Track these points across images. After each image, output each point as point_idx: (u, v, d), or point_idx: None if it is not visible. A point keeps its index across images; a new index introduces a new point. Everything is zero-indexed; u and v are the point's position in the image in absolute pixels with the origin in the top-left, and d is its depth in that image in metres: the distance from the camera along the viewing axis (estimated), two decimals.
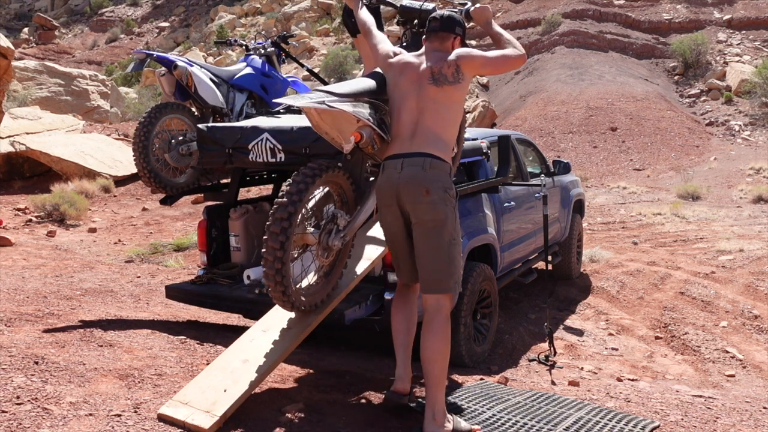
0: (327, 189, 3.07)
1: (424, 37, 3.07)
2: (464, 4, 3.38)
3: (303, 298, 3.01)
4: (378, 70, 3.18)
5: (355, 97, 2.91)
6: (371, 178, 3.35)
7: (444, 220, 2.78)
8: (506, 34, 3.08)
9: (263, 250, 2.76)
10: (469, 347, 4.29)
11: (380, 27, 4.17)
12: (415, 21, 3.41)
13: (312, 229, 2.96)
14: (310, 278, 3.15)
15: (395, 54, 3.05)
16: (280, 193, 2.81)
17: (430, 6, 3.39)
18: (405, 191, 2.76)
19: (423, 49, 3.01)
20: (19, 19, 50.37)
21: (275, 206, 2.76)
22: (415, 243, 2.82)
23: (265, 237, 2.75)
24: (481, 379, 3.84)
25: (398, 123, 2.89)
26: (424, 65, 2.91)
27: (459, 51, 2.95)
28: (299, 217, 2.81)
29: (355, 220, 3.10)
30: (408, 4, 3.40)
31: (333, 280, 3.19)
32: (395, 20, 3.65)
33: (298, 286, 3.01)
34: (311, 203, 3.00)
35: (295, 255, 2.99)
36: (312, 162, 2.95)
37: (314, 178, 2.84)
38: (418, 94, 2.87)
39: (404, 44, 3.41)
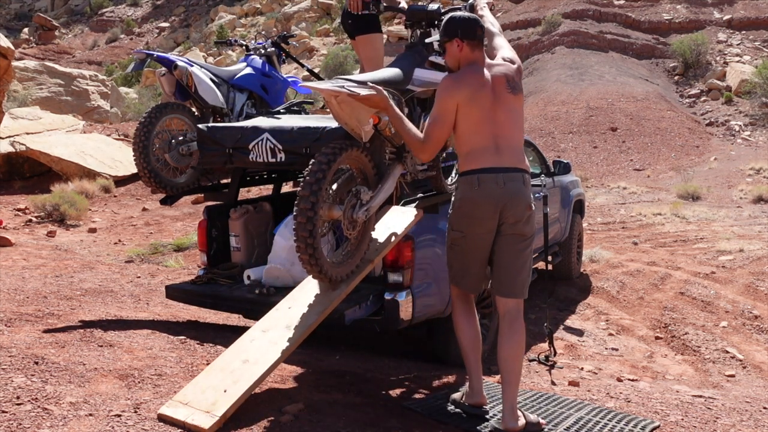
0: (349, 170, 3.20)
1: (451, 41, 2.98)
2: (466, 3, 3.50)
3: (336, 270, 3.17)
4: (397, 66, 3.34)
5: (373, 84, 3.04)
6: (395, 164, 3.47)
7: (534, 233, 3.03)
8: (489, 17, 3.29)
9: (294, 236, 2.93)
10: None
11: (378, 28, 4.20)
12: (423, 22, 3.54)
13: (337, 206, 3.12)
14: (340, 251, 3.33)
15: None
16: (305, 172, 2.94)
17: (435, 6, 3.53)
18: (512, 206, 2.87)
19: (471, 55, 2.94)
20: (20, 19, 50.38)
21: (301, 184, 2.90)
22: (506, 253, 2.95)
23: (294, 227, 2.92)
24: (482, 379, 3.83)
25: (477, 134, 2.90)
26: (495, 74, 2.92)
27: (511, 57, 3.05)
28: (323, 198, 2.96)
29: (377, 196, 3.24)
30: (415, 7, 3.52)
31: (361, 251, 3.33)
32: (404, 22, 3.74)
33: (330, 259, 3.16)
34: (335, 185, 3.13)
35: (324, 231, 3.15)
36: (327, 146, 3.02)
37: (330, 164, 2.94)
38: (495, 104, 2.89)
39: (412, 43, 3.57)
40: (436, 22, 3.59)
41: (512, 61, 3.02)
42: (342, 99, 2.92)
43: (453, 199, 3.02)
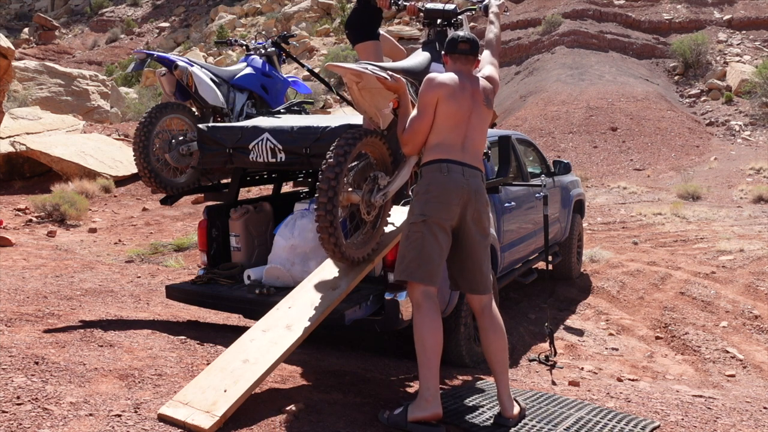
0: (367, 155, 3.33)
1: (444, 52, 3.19)
2: (482, 1, 3.78)
3: (355, 252, 3.30)
4: (417, 57, 3.60)
5: (393, 71, 3.23)
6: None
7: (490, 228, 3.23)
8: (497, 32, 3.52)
9: (315, 219, 3.05)
10: (470, 347, 4.29)
11: (373, 36, 4.28)
12: (439, 21, 3.77)
13: (356, 190, 3.26)
14: (358, 234, 3.44)
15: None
16: (327, 156, 3.05)
17: (451, 6, 3.79)
18: (474, 200, 3.02)
19: (453, 67, 3.13)
20: (20, 19, 50.36)
21: (323, 167, 3.03)
22: (472, 248, 3.07)
23: (316, 195, 3.04)
24: (482, 379, 3.84)
25: (451, 131, 3.04)
26: (475, 85, 3.10)
27: (491, 75, 3.21)
28: (343, 183, 3.08)
29: (394, 182, 3.34)
30: (432, 6, 3.77)
31: (377, 235, 3.45)
32: (422, 21, 3.93)
33: (348, 240, 3.30)
34: (355, 167, 3.27)
35: (342, 214, 3.25)
36: (347, 132, 3.15)
37: (356, 142, 3.09)
38: (472, 111, 3.06)
39: (429, 40, 3.78)
40: (453, 21, 3.78)
41: (491, 80, 3.20)
42: (363, 85, 3.09)
43: (418, 186, 3.05)
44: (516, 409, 3.02)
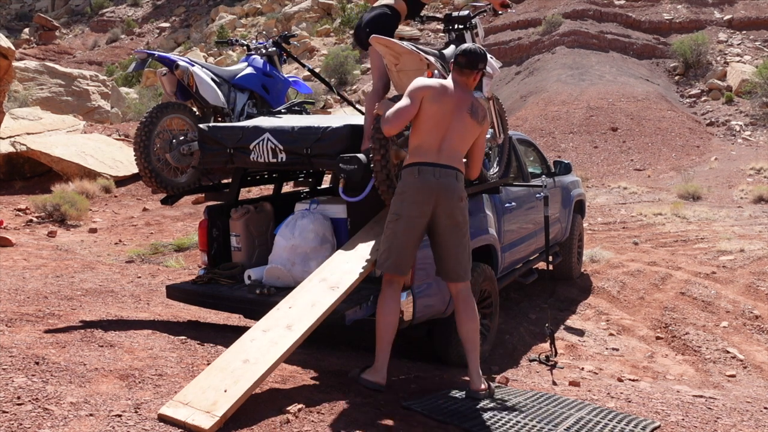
0: None
1: (452, 61, 3.49)
2: (488, 4, 4.26)
3: None
4: (448, 50, 4.03)
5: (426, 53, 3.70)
6: None
7: (467, 221, 3.46)
8: None
9: (373, 173, 3.54)
10: None
11: (396, 28, 4.37)
12: (456, 25, 4.22)
13: (403, 149, 3.66)
14: None
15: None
16: (373, 132, 3.51)
17: (465, 13, 4.24)
18: (444, 197, 3.31)
19: (453, 74, 3.44)
20: (20, 19, 50.41)
21: (372, 142, 3.52)
22: (446, 239, 3.39)
23: (370, 155, 3.52)
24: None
25: (429, 133, 3.34)
26: (462, 95, 3.38)
27: (484, 107, 3.49)
28: (393, 140, 3.56)
29: None
30: (450, 15, 4.25)
31: None
32: (443, 26, 4.38)
33: None
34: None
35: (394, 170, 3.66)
36: (392, 99, 3.53)
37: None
38: (453, 115, 3.34)
39: (449, 41, 4.20)
40: (467, 24, 4.21)
41: (486, 113, 3.51)
42: (401, 68, 3.61)
43: (398, 187, 3.41)
44: (484, 384, 3.37)
